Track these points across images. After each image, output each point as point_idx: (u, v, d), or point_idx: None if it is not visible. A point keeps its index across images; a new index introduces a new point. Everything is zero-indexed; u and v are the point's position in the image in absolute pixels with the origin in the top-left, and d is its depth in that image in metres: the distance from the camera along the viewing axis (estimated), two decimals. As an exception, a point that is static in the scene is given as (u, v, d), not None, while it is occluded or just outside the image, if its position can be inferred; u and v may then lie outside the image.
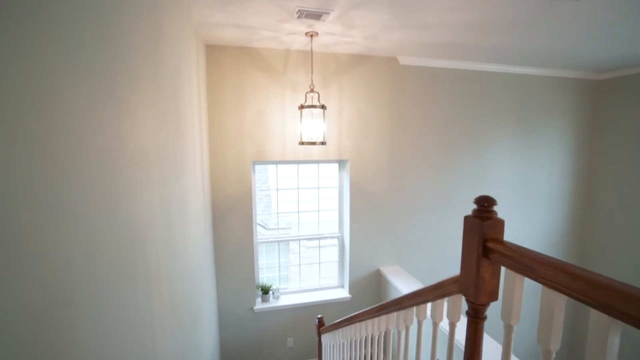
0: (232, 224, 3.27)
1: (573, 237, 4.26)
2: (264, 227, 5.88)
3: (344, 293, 3.74)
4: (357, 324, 1.85)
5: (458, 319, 0.99)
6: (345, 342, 2.15)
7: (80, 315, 0.66)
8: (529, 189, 4.02)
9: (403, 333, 1.33)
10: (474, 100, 3.68)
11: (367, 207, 3.55)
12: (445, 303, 1.08)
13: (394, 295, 3.41)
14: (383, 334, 1.54)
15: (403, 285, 3.29)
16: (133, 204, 0.99)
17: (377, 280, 3.76)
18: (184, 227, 1.76)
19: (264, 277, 3.72)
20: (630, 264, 3.82)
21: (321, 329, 2.69)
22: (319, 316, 2.78)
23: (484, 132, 3.77)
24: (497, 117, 3.78)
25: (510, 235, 4.19)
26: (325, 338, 2.60)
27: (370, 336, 1.71)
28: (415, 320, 1.22)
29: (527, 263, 0.68)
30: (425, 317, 1.18)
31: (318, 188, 3.68)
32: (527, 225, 4.07)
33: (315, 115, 2.81)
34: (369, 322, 1.67)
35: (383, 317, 1.50)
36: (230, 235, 3.29)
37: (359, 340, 1.90)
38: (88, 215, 0.71)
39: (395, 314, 1.36)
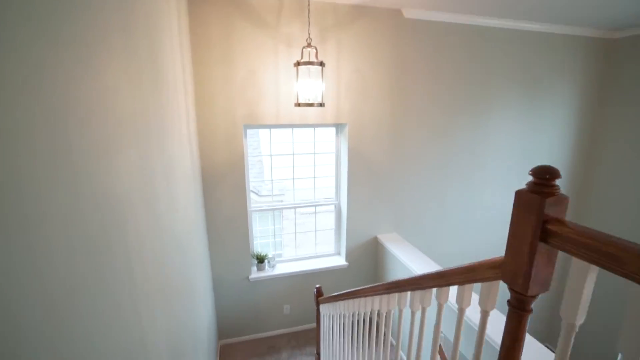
0: (224, 192, 3.09)
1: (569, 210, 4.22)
2: (256, 193, 5.73)
3: (340, 261, 3.69)
4: (362, 299, 1.75)
5: (492, 308, 0.87)
6: (347, 315, 2.07)
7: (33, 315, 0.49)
8: (529, 156, 3.90)
9: (418, 314, 1.22)
10: (480, 58, 3.43)
11: (365, 173, 3.40)
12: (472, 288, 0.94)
13: (392, 263, 3.36)
14: (392, 312, 1.44)
15: (401, 253, 3.23)
16: (104, 176, 0.79)
17: (375, 248, 3.71)
18: (171, 198, 1.58)
19: (258, 244, 3.62)
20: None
21: (320, 298, 2.63)
22: (317, 286, 2.71)
23: (489, 95, 3.56)
24: (504, 78, 3.55)
25: (511, 201, 4.10)
26: (324, 308, 2.54)
27: (376, 312, 1.62)
28: (434, 302, 1.10)
29: (613, 253, 0.53)
30: (446, 300, 1.05)
31: (314, 154, 3.49)
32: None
33: (313, 73, 2.55)
34: (376, 298, 1.57)
35: (394, 295, 1.39)
36: (223, 203, 3.12)
37: (362, 314, 1.81)
38: (45, 193, 0.52)
39: (409, 293, 1.25)
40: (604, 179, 3.99)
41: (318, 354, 2.90)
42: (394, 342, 3.32)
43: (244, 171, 3.10)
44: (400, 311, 1.34)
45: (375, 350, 1.80)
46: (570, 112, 3.91)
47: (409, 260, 3.07)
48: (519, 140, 3.82)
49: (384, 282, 1.45)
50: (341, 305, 2.15)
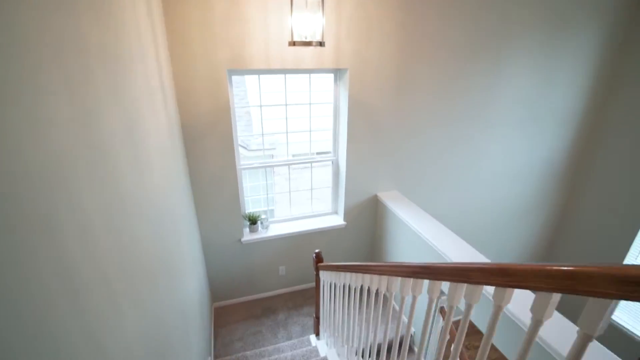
0: (209, 148, 2.73)
1: (569, 164, 4.02)
2: (245, 148, 5.36)
3: (338, 220, 3.49)
4: (374, 276, 1.53)
5: (550, 316, 0.65)
6: (354, 287, 1.88)
7: None
8: (539, 111, 3.57)
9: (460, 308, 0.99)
10: (501, -7, 2.93)
11: (366, 127, 3.06)
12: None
13: (392, 223, 3.17)
14: (416, 298, 1.21)
15: (403, 211, 3.02)
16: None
17: (374, 206, 3.49)
18: (138, 160, 1.24)
19: (249, 201, 3.35)
20: (621, 212, 3.69)
21: (320, 265, 2.43)
22: (317, 251, 2.51)
23: (504, 39, 3.10)
24: (523, 20, 3.07)
25: (514, 160, 3.94)
26: (326, 275, 2.36)
27: (392, 293, 1.40)
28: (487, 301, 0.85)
29: None
30: (508, 302, 0.81)
31: (309, 104, 3.09)
32: (531, 150, 3.75)
33: (311, 4, 2.09)
34: (396, 279, 1.34)
35: (421, 282, 1.15)
36: (208, 161, 2.78)
37: (373, 291, 1.61)
38: None
39: (447, 283, 1.00)
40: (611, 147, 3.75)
41: (317, 317, 2.80)
42: (397, 307, 3.26)
43: (231, 125, 2.72)
44: (432, 301, 1.11)
45: (380, 316, 1.63)
46: (589, 65, 3.51)
47: (412, 220, 2.87)
48: (530, 96, 3.45)
49: (407, 263, 1.21)
50: (346, 276, 1.95)
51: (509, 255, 4.41)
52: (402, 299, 1.30)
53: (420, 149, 3.33)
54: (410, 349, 2.95)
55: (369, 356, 2.11)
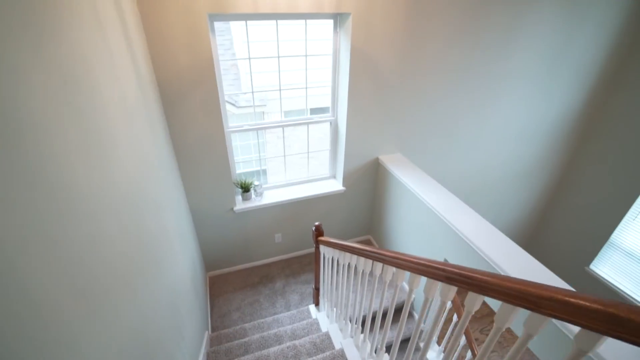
0: (192, 110, 2.39)
1: (577, 125, 3.75)
2: (233, 104, 4.93)
3: (336, 185, 3.27)
4: (391, 267, 1.34)
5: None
6: (364, 271, 1.70)
7: None
8: (558, 64, 3.20)
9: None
10: None
11: (370, 82, 2.71)
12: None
13: (394, 188, 2.97)
14: (445, 304, 1.02)
15: (407, 177, 2.81)
16: None
17: (375, 170, 3.26)
18: (89, 140, 0.95)
19: (240, 165, 3.08)
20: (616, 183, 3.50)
21: (320, 239, 2.25)
22: (317, 223, 2.31)
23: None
24: None
25: (521, 120, 3.62)
26: (327, 250, 2.18)
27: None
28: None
29: None
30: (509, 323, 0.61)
31: (305, 56, 2.70)
32: (541, 108, 3.45)
33: None
34: (418, 277, 1.14)
35: (439, 284, 0.95)
36: (193, 126, 2.45)
37: (386, 281, 1.43)
38: None
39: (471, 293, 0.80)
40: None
41: (317, 288, 2.69)
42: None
43: (216, 82, 2.36)
44: (444, 304, 0.92)
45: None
46: (615, 19, 3.09)
47: (416, 186, 2.67)
48: (550, 49, 3.07)
49: (438, 264, 1.00)
50: (352, 258, 1.77)
51: (506, 217, 4.33)
52: (426, 301, 1.11)
53: (427, 109, 3.02)
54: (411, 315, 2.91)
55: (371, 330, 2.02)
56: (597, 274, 3.95)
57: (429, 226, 2.54)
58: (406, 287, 3.05)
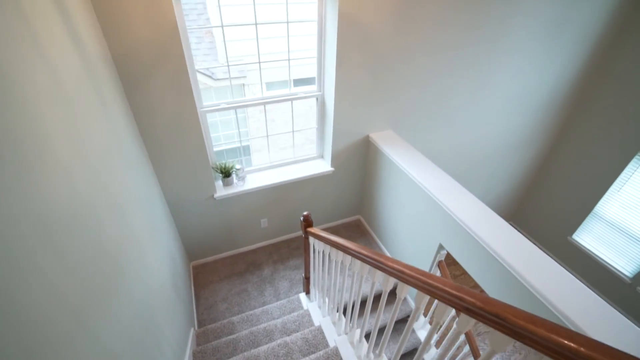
0: (157, 87, 2.08)
1: (571, 93, 3.58)
2: (210, 77, 4.53)
3: (325, 166, 3.06)
4: (393, 279, 1.17)
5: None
6: (354, 271, 1.54)
7: None
8: (558, 33, 2.96)
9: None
10: None
11: (360, 53, 2.43)
12: None
13: (386, 168, 2.79)
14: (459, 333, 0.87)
15: (399, 155, 2.64)
16: None
17: (365, 148, 3.06)
18: (7, 138, 0.71)
19: (222, 153, 2.82)
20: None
21: (309, 230, 2.07)
22: (305, 213, 2.12)
23: None
24: None
25: (524, 88, 3.39)
26: (317, 243, 2.01)
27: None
28: None
29: None
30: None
31: (287, 22, 2.37)
32: (536, 76, 3.23)
33: None
34: (426, 297, 0.97)
35: (470, 319, 0.79)
36: (160, 107, 2.15)
37: (387, 291, 1.27)
38: None
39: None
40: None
41: (307, 278, 2.55)
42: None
43: (183, 52, 2.03)
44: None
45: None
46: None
47: (408, 165, 2.51)
48: (545, 32, 2.80)
49: (454, 289, 0.83)
50: (346, 257, 1.60)
51: (496, 190, 4.26)
52: (437, 325, 0.95)
53: (420, 83, 2.78)
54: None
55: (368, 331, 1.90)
56: (579, 243, 3.99)
57: (422, 208, 2.39)
58: (412, 302, 2.92)
